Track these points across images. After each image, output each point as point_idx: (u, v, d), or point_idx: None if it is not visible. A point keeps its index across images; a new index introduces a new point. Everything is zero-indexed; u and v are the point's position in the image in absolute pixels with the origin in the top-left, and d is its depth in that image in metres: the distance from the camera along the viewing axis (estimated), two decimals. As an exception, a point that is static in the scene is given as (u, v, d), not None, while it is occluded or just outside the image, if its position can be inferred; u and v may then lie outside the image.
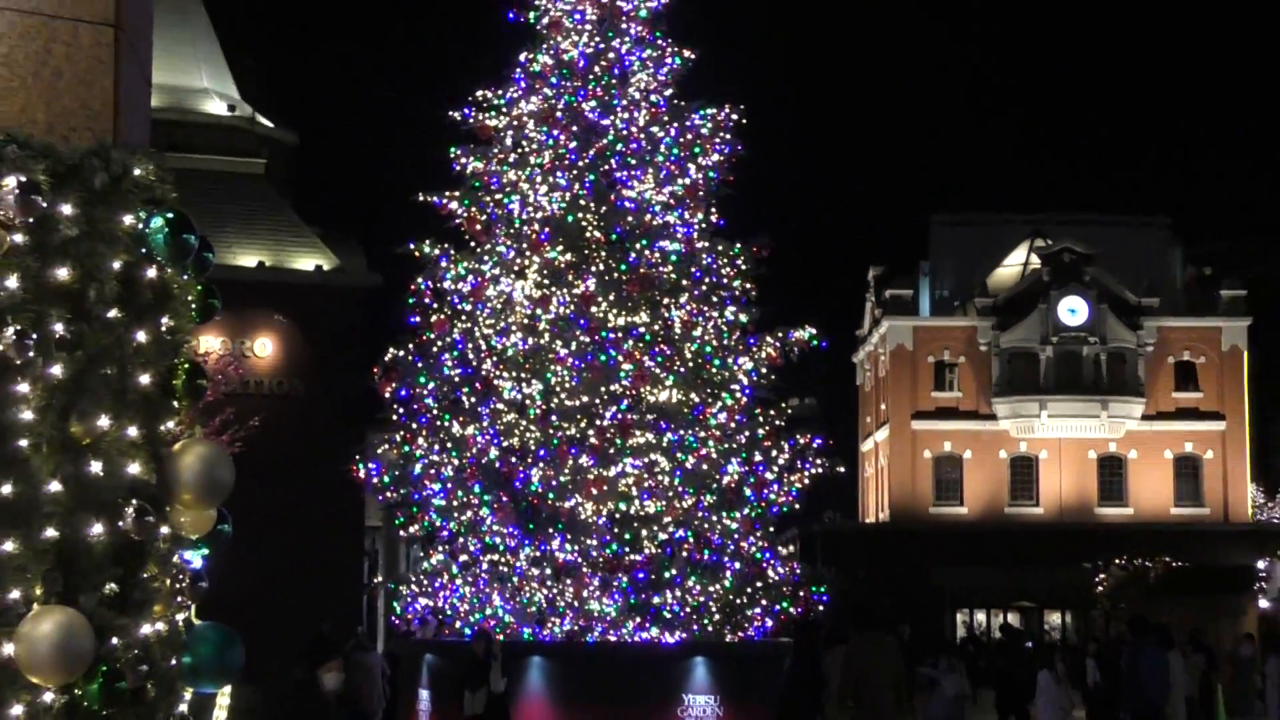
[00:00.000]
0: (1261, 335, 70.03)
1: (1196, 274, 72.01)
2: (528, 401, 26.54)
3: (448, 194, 27.94)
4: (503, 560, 26.37)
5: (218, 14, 56.84)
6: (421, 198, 28.08)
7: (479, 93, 28.33)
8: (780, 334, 27.89)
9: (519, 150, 27.93)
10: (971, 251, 71.33)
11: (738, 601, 26.47)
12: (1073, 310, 67.75)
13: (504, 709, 14.81)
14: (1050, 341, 67.85)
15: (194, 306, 5.40)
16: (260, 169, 55.16)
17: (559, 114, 27.76)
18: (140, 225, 5.19)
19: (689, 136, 28.19)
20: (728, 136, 28.29)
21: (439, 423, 27.09)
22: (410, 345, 27.83)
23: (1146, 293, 69.37)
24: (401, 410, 27.57)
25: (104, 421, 5.07)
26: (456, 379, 27.25)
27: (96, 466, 5.04)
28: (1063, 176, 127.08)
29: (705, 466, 26.71)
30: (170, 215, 5.24)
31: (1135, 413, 68.22)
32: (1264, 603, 44.16)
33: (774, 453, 27.43)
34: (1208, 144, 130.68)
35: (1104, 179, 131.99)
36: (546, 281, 26.91)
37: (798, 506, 28.33)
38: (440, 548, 27.32)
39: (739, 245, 28.12)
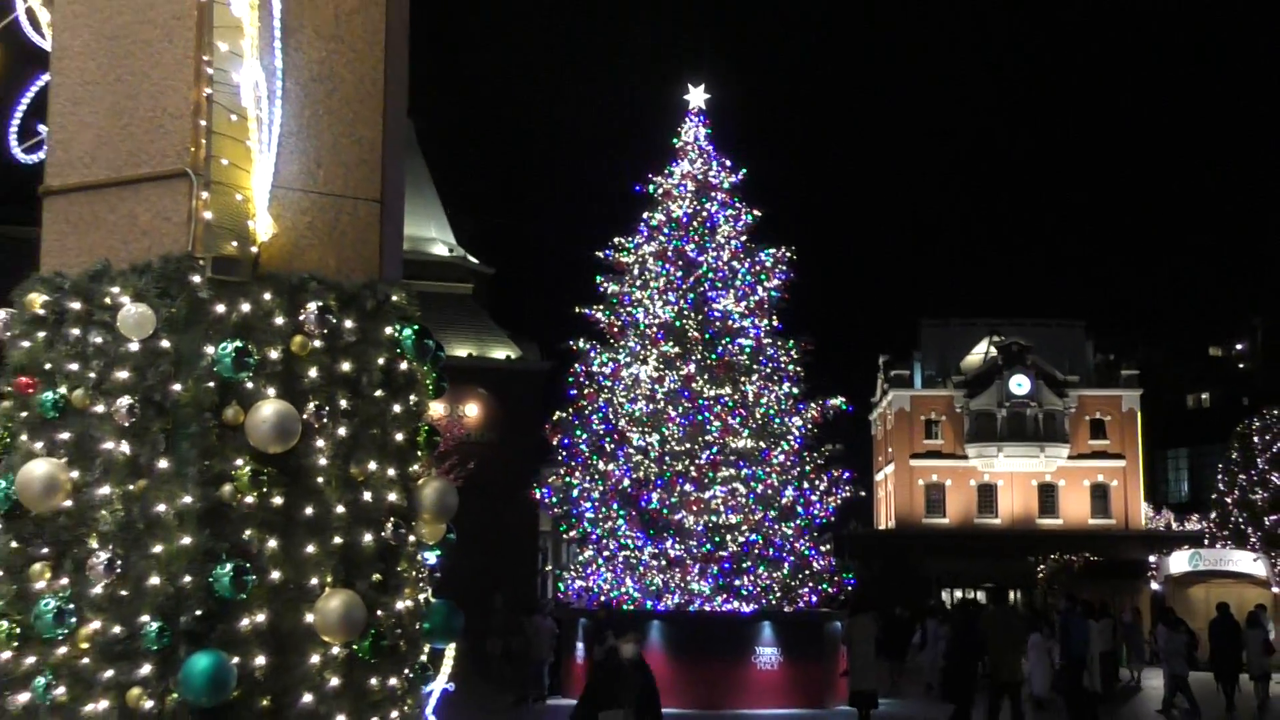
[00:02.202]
0: (1148, 402, 69.72)
1: (1103, 359, 71.75)
2: (649, 447, 26.81)
3: (595, 307, 28.33)
4: (632, 555, 26.53)
5: (441, 184, 57.76)
6: (578, 310, 28.39)
7: (616, 239, 28.70)
8: (820, 401, 27.92)
9: (642, 278, 28.23)
10: (949, 344, 71.28)
11: (792, 584, 26.49)
12: (1019, 384, 67.50)
13: (616, 659, 14.45)
14: (1004, 405, 67.63)
15: (430, 387, 5.41)
16: (469, 291, 55.76)
17: (669, 253, 28.09)
18: (396, 334, 5.21)
19: (758, 268, 28.35)
20: (783, 267, 28.36)
21: (589, 462, 27.37)
22: (570, 409, 28.15)
23: (1069, 372, 69.34)
24: (564, 453, 27.91)
25: (372, 465, 5.08)
26: (601, 432, 27.52)
27: (367, 495, 5.05)
28: (1010, 289, 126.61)
29: (770, 491, 26.79)
30: (415, 327, 5.27)
31: (1063, 454, 67.72)
32: (1155, 585, 43.48)
33: (817, 482, 27.45)
34: (1115, 266, 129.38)
35: (1038, 290, 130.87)
36: (661, 366, 27.29)
37: (833, 518, 28.25)
38: (590, 546, 27.40)
39: (791, 341, 28.19)
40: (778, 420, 27.48)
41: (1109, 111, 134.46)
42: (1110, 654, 27.41)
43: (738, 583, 26.05)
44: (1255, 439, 47.57)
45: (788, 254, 28.50)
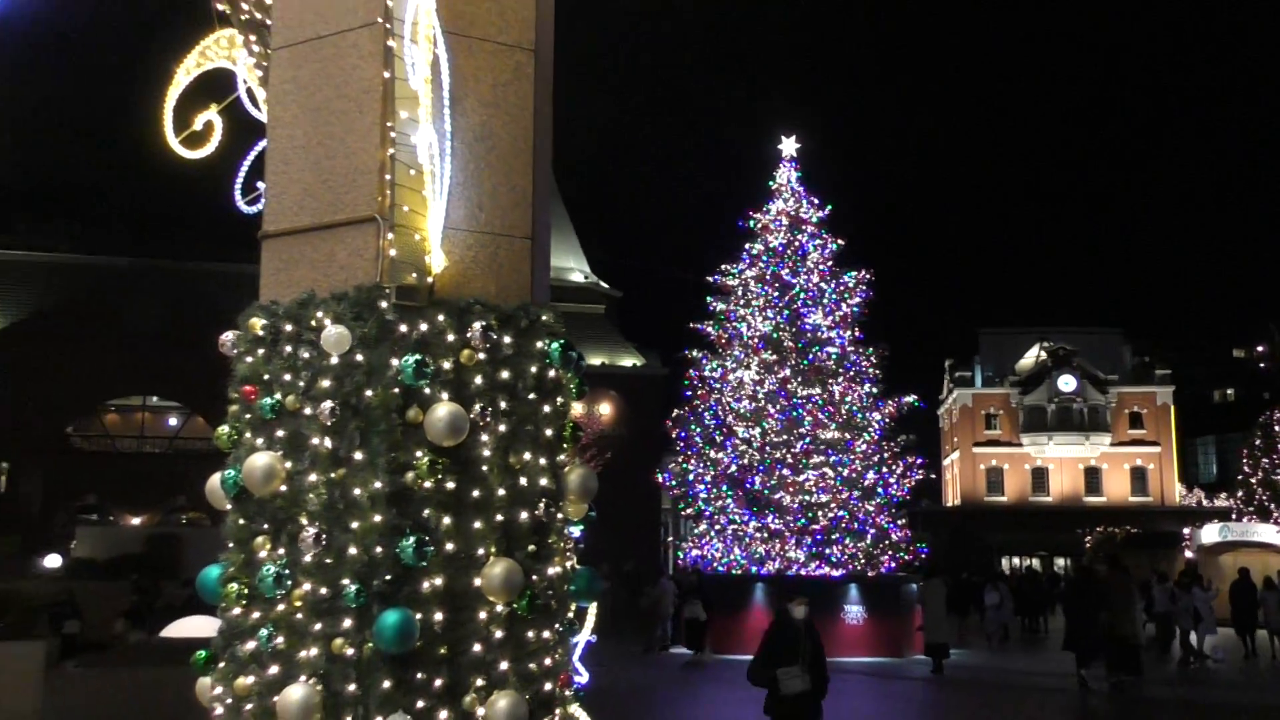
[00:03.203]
0: (1179, 397, 67.85)
1: (1139, 361, 69.88)
2: (752, 439, 26.71)
3: (706, 322, 28.32)
4: (739, 528, 26.46)
5: (576, 221, 58.25)
6: (691, 325, 28.43)
7: (723, 266, 28.64)
8: (896, 399, 27.49)
9: (745, 297, 28.16)
10: (1004, 350, 70.00)
11: (874, 552, 26.20)
12: (1066, 383, 66.10)
13: (788, 618, 13.98)
14: (1054, 401, 66.25)
15: (573, 391, 5.42)
16: (601, 311, 56.09)
17: (767, 277, 28.00)
18: (545, 347, 5.24)
19: (842, 288, 28.09)
20: (863, 287, 28.06)
21: (703, 451, 27.34)
22: (686, 408, 28.13)
23: (1109, 372, 67.60)
24: (681, 444, 27.87)
25: (527, 455, 5.10)
26: (712, 426, 27.49)
27: (523, 480, 5.08)
28: (1057, 300, 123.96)
29: (854, 475, 26.53)
30: (561, 341, 5.28)
31: (1106, 442, 66.06)
32: (1188, 554, 42.47)
33: (894, 466, 27.04)
34: (1150, 279, 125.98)
35: (1081, 301, 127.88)
36: (762, 371, 27.21)
37: (908, 497, 27.83)
38: (703, 521, 27.33)
39: (871, 349, 27.83)
40: (860, 415, 27.19)
41: (1150, 139, 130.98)
42: (1166, 615, 26.59)
43: (828, 551, 25.85)
44: (1276, 428, 48.00)
45: (867, 276, 28.28)
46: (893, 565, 26.32)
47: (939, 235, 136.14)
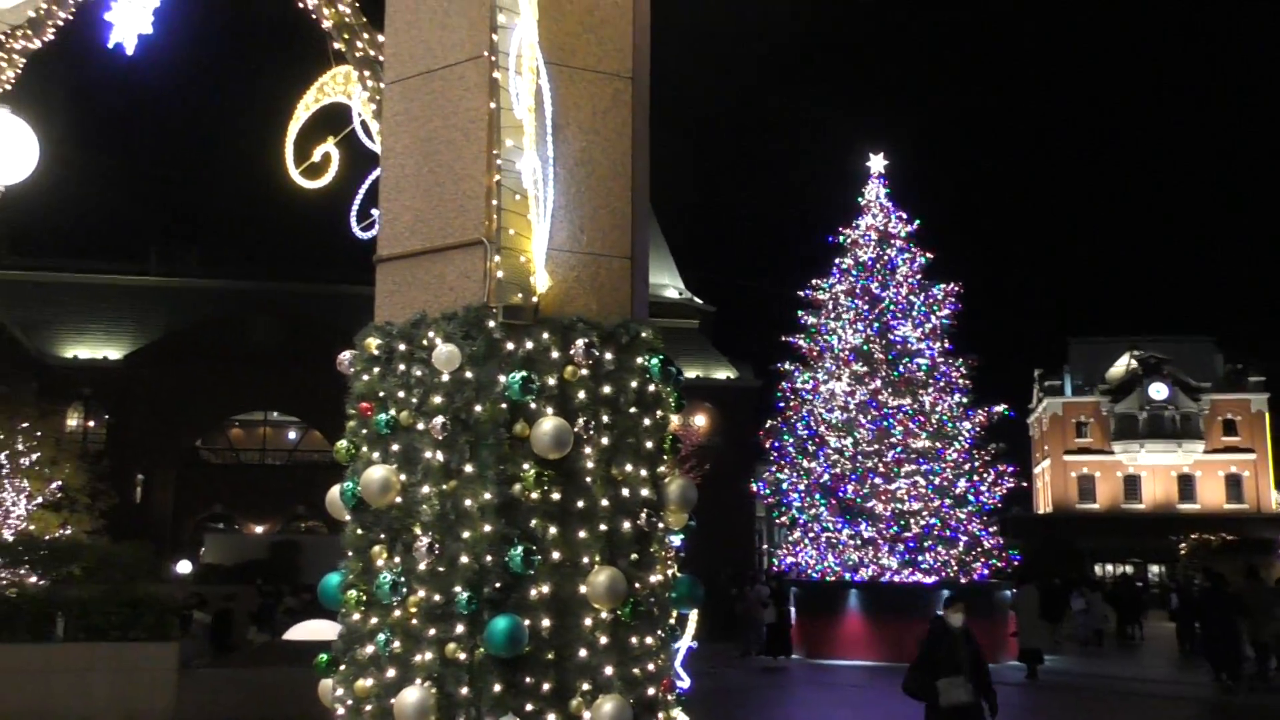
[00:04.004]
0: (1275, 403, 65.51)
1: (1232, 368, 67.66)
2: (844, 448, 26.42)
3: (797, 335, 28.11)
4: (832, 536, 26.12)
5: (671, 240, 58.37)
6: (783, 338, 28.29)
7: (814, 281, 28.45)
8: (986, 408, 26.99)
9: (835, 311, 27.90)
10: (1094, 359, 68.43)
11: (966, 559, 25.65)
12: (1158, 391, 64.40)
13: (944, 626, 13.42)
14: (1145, 409, 64.59)
15: (672, 404, 5.40)
16: (695, 325, 56.11)
17: (857, 290, 27.72)
18: (645, 362, 5.23)
19: (931, 301, 27.71)
20: (952, 299, 27.63)
21: (795, 460, 27.10)
22: (779, 418, 27.97)
23: (1201, 379, 65.62)
24: (775, 454, 27.70)
25: (629, 467, 5.09)
26: (804, 436, 27.28)
27: (625, 491, 5.06)
28: (1145, 309, 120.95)
29: (945, 483, 26.04)
30: (660, 357, 5.27)
31: (1199, 449, 64.15)
32: (1282, 560, 41.38)
33: (985, 474, 26.51)
34: (1240, 286, 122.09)
35: (1170, 309, 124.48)
36: (853, 382, 26.89)
37: (999, 504, 27.24)
38: (797, 529, 27.10)
39: (960, 360, 27.37)
40: (950, 424, 26.76)
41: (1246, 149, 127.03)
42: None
43: (920, 558, 25.44)
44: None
45: (955, 288, 27.88)
46: (985, 572, 25.83)
47: (1027, 245, 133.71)
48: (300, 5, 6.20)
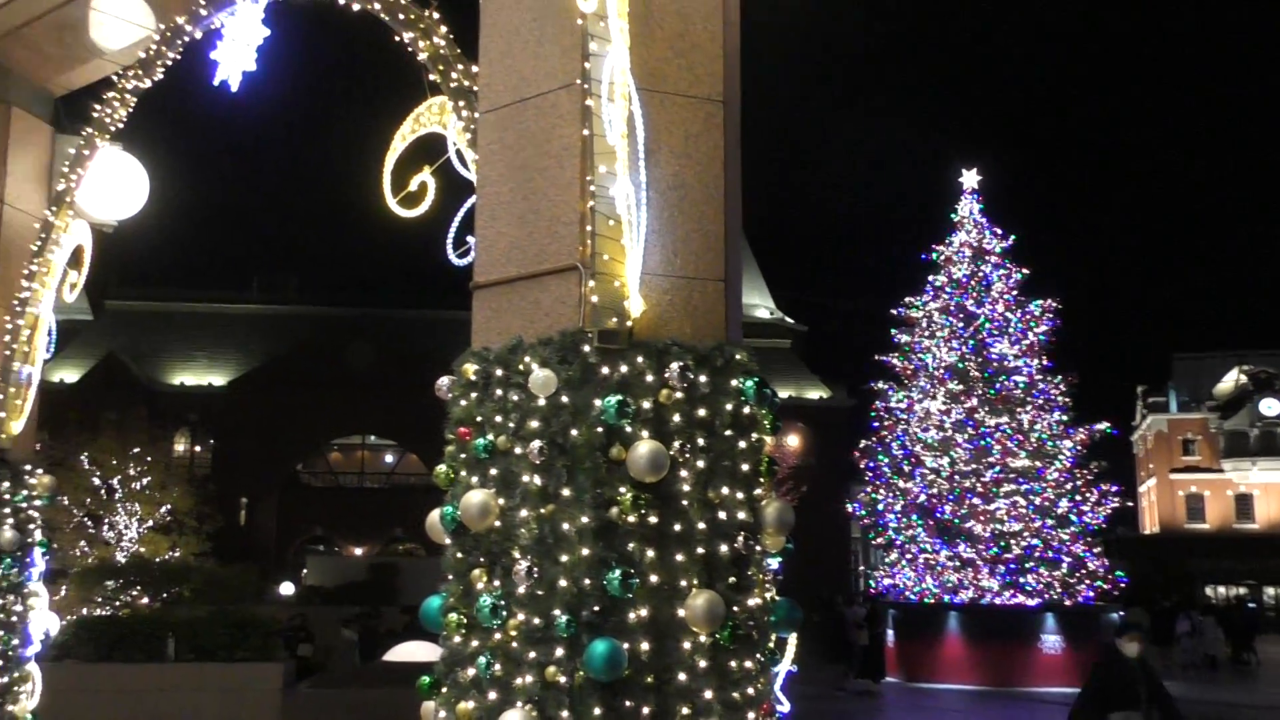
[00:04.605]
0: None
1: (1346, 383, 65.38)
2: (941, 468, 25.95)
3: (891, 354, 27.77)
4: (930, 557, 25.63)
5: (761, 260, 58.21)
6: (876, 357, 28.02)
7: (906, 299, 28.08)
8: (1088, 426, 26.37)
9: (930, 329, 27.48)
10: (1199, 374, 66.54)
11: (1070, 581, 24.98)
12: (1269, 407, 62.46)
13: (1117, 656, 12.57)
14: (1256, 425, 62.51)
15: (768, 426, 5.37)
16: (787, 345, 55.89)
17: (952, 308, 27.27)
18: (740, 385, 5.21)
19: (1028, 317, 27.14)
20: (1050, 315, 27.08)
21: (891, 480, 26.70)
22: (873, 438, 27.63)
23: (1314, 395, 63.58)
24: (870, 474, 27.34)
25: (725, 490, 5.06)
26: (899, 456, 26.88)
27: (722, 514, 5.03)
28: (1252, 323, 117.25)
29: (1046, 503, 25.43)
30: (756, 379, 5.24)
31: (1313, 468, 62.00)
32: None
33: (1087, 494, 25.87)
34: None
35: (1274, 320, 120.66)
36: (948, 401, 26.41)
37: (1103, 525, 26.52)
38: (894, 550, 26.70)
39: (1060, 377, 26.80)
40: (1050, 443, 26.19)
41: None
42: None
43: (1022, 580, 24.90)
44: None
45: (1053, 304, 27.35)
46: (1090, 595, 25.17)
47: (1127, 259, 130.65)
48: (397, 39, 6.34)
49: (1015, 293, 27.70)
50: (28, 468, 8.37)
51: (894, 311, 28.38)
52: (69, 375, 48.03)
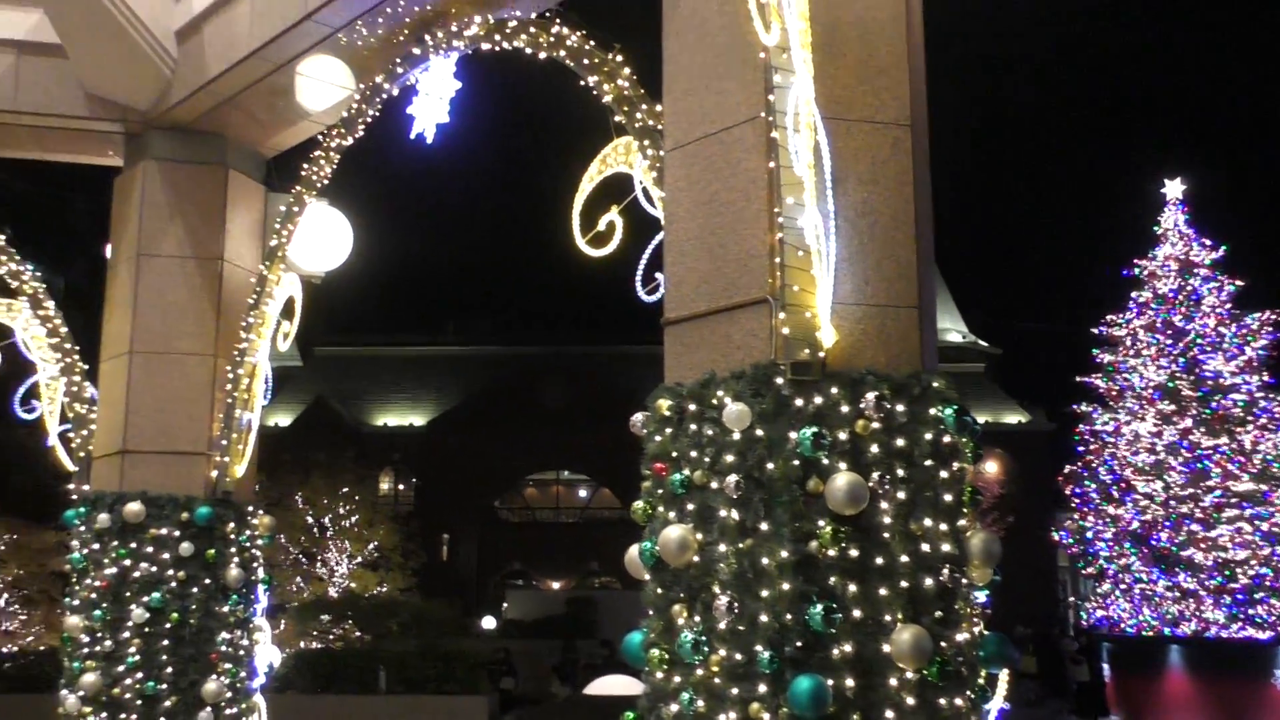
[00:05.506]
0: None
1: None
2: (1154, 493, 24.58)
3: (1093, 375, 26.61)
4: (1146, 588, 24.30)
5: (950, 282, 56.92)
6: (1078, 379, 26.91)
7: (1108, 316, 26.88)
8: (1321, 447, 24.63)
9: (1135, 347, 26.17)
10: None
11: (1308, 613, 23.24)
12: None
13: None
14: None
15: (970, 455, 5.22)
16: (981, 369, 54.20)
17: (1158, 324, 25.89)
18: (939, 413, 5.09)
19: (1244, 331, 25.53)
20: (1270, 328, 25.44)
21: (1099, 507, 25.47)
22: (1079, 463, 26.45)
23: None
24: (1076, 500, 26.16)
25: (928, 521, 4.95)
26: (1108, 481, 25.60)
27: (925, 546, 4.92)
28: None
29: (1276, 529, 23.74)
30: (955, 407, 5.12)
31: None
32: None
33: (1326, 519, 24.06)
34: None
35: None
36: (1159, 422, 25.00)
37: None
38: (1106, 580, 25.45)
39: (1284, 395, 25.14)
40: (1277, 465, 24.53)
41: None
42: None
43: (1251, 612, 23.33)
44: None
45: (1273, 316, 25.69)
46: (1332, 628, 23.39)
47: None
48: (582, 83, 6.49)
49: (1229, 306, 26.19)
50: (250, 509, 8.88)
51: (1094, 330, 27.27)
52: (283, 419, 50.71)
